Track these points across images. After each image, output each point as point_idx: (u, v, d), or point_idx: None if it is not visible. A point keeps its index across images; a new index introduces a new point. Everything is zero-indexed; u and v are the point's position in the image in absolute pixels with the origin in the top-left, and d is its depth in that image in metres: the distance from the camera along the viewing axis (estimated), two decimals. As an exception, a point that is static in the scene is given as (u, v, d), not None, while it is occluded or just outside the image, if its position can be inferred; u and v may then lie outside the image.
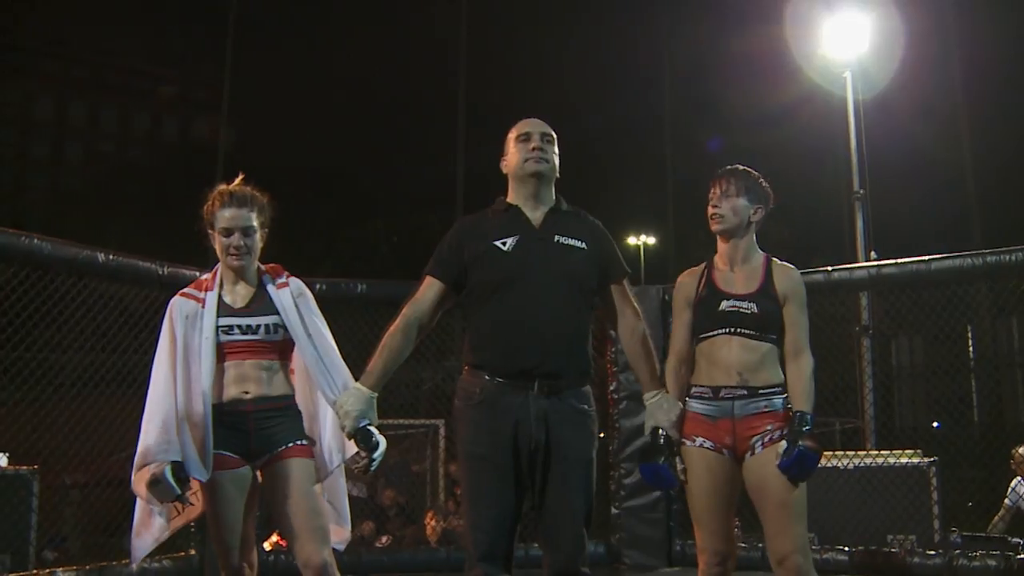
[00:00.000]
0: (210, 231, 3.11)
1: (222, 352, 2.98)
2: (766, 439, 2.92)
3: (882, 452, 5.78)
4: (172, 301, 3.08)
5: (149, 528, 3.10)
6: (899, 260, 5.64)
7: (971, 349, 8.18)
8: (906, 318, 6.26)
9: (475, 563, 2.73)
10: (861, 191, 10.50)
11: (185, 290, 3.11)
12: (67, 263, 4.92)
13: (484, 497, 2.75)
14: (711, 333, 3.01)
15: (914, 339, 9.19)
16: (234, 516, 2.95)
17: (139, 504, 3.11)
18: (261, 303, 3.06)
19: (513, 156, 2.93)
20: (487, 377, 2.78)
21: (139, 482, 2.98)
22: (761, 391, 2.95)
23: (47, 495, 5.34)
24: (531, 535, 3.19)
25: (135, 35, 42.13)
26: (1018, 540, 5.41)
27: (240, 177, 3.17)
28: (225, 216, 3.05)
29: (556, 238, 2.86)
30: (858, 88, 10.76)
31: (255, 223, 3.07)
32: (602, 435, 5.51)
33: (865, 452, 5.96)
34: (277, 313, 3.03)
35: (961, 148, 19.09)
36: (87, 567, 4.92)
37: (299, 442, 3.01)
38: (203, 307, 3.02)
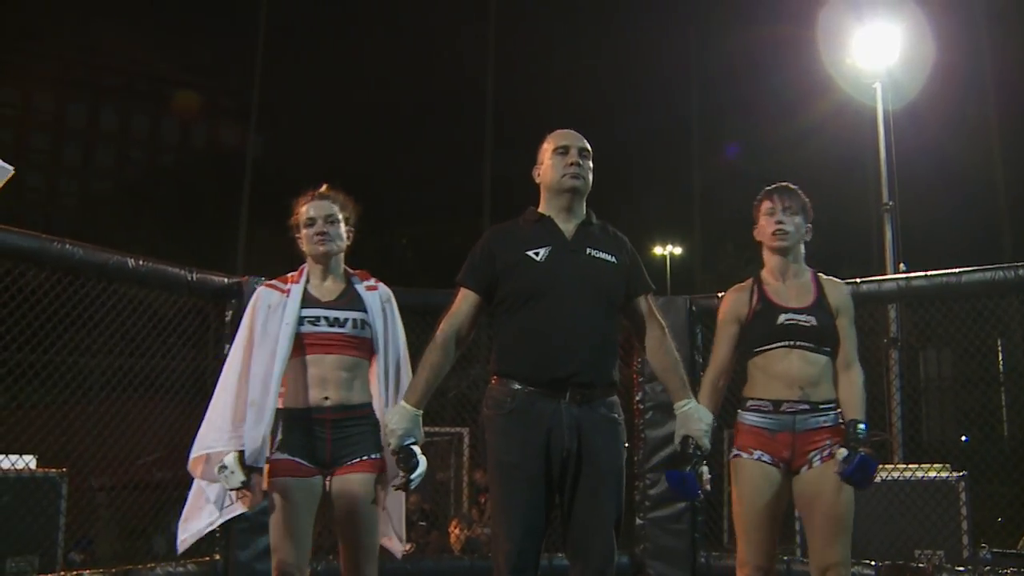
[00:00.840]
0: (298, 235, 3.13)
1: (304, 344, 2.98)
2: (824, 453, 2.98)
3: (910, 466, 5.71)
4: (257, 291, 3.11)
5: (200, 515, 3.12)
6: (929, 272, 5.58)
7: (1001, 363, 8.06)
8: (935, 331, 6.19)
9: (505, 573, 2.72)
10: (890, 203, 10.40)
11: (270, 282, 3.13)
12: (97, 268, 4.98)
13: (516, 506, 2.74)
14: (769, 346, 3.05)
15: (943, 352, 9.08)
16: (298, 525, 2.95)
17: (193, 490, 3.13)
18: (350, 299, 3.08)
19: (549, 168, 2.94)
20: (518, 386, 2.78)
21: (197, 466, 3.01)
22: (821, 406, 3.01)
23: (75, 498, 5.39)
24: (555, 545, 3.18)
25: (166, 43, 42.63)
26: (1050, 558, 5.32)
27: (325, 185, 3.22)
28: (309, 208, 3.10)
29: (588, 251, 2.87)
30: (888, 98, 10.67)
31: (338, 214, 3.13)
32: (627, 445, 5.49)
33: (893, 465, 5.89)
34: (365, 311, 3.04)
35: (992, 159, 18.88)
36: (113, 570, 4.96)
37: (372, 456, 3.01)
38: (287, 297, 3.03)
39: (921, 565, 5.19)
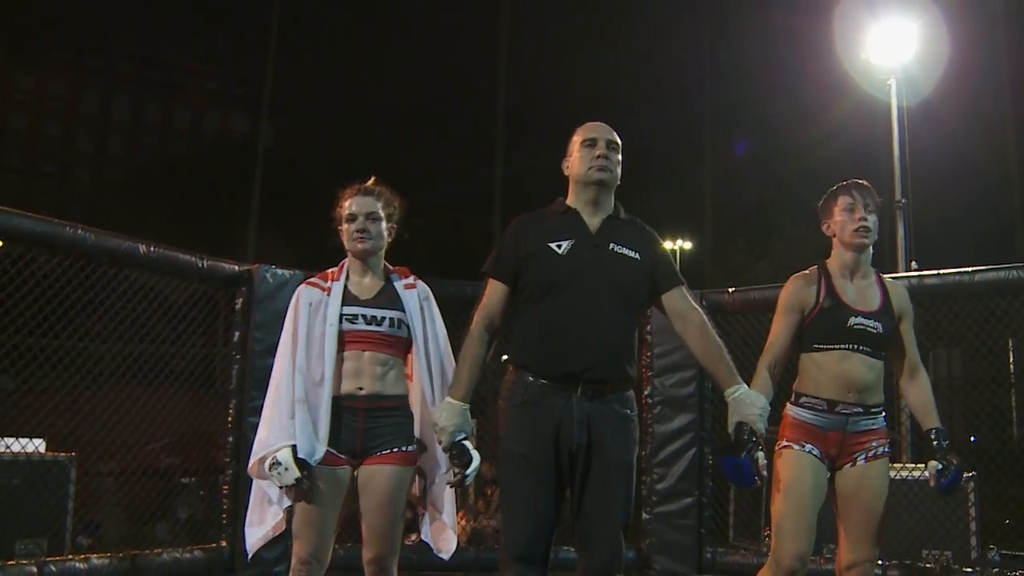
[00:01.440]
0: (340, 228, 3.14)
1: (343, 341, 2.99)
2: (870, 453, 3.04)
3: (919, 465, 5.68)
4: (298, 290, 3.12)
5: (264, 518, 3.12)
6: (941, 271, 5.54)
7: (1012, 363, 8.02)
8: (946, 330, 6.16)
9: (510, 563, 2.73)
10: (903, 200, 10.37)
11: (311, 279, 3.14)
12: (109, 253, 4.99)
13: (522, 497, 2.75)
14: (833, 347, 3.05)
15: (953, 351, 9.04)
16: (322, 513, 2.95)
17: (254, 494, 3.13)
18: (388, 297, 3.08)
19: (577, 160, 2.93)
20: (531, 378, 2.79)
21: (254, 469, 3.01)
22: (873, 409, 3.05)
23: (83, 482, 5.42)
24: (562, 538, 3.18)
25: (179, 31, 42.71)
26: (1057, 559, 5.30)
27: (372, 179, 3.21)
28: (351, 204, 3.10)
29: (611, 246, 2.86)
30: (903, 95, 10.63)
31: (380, 211, 3.13)
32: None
33: (902, 465, 5.87)
34: (403, 310, 3.05)
35: (1007, 157, 18.76)
36: (120, 555, 4.98)
37: (404, 448, 3.01)
38: (328, 295, 3.04)
39: (929, 565, 5.17)
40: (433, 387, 3.04)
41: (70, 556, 4.83)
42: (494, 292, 2.90)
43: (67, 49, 41.61)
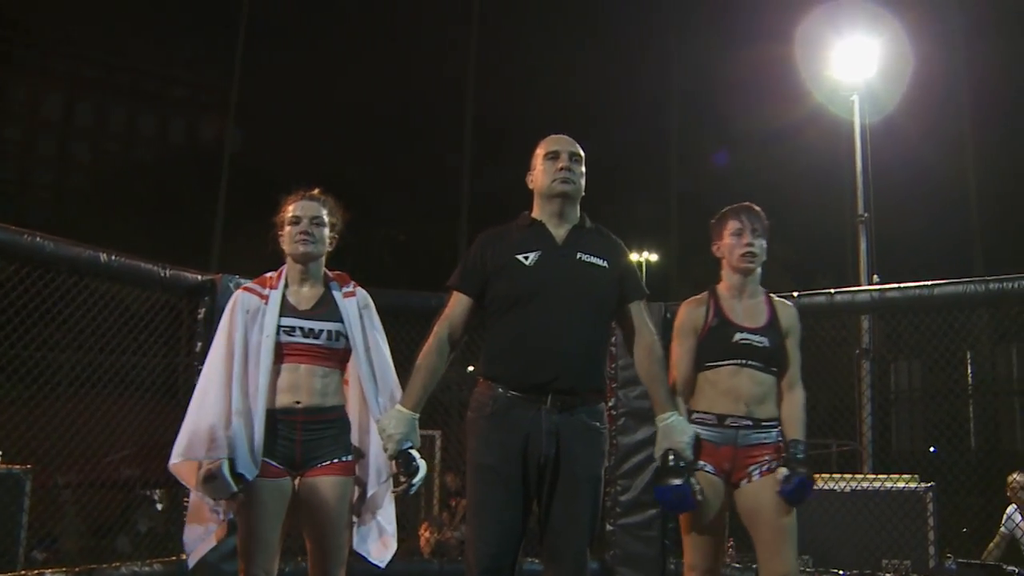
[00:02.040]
0: (280, 233, 3.09)
1: (280, 353, 2.95)
2: (763, 468, 3.06)
3: (879, 476, 5.75)
4: (235, 295, 3.07)
5: (204, 524, 3.07)
6: (902, 284, 5.63)
7: (970, 375, 8.15)
8: (907, 342, 6.25)
9: (476, 575, 2.71)
10: (865, 214, 10.51)
11: (249, 285, 3.09)
12: (69, 262, 4.92)
13: (490, 509, 2.75)
14: (721, 363, 3.11)
15: (913, 363, 9.17)
16: (265, 525, 2.91)
17: (192, 503, 3.08)
18: (326, 308, 3.03)
19: (540, 174, 2.94)
20: (500, 390, 2.78)
21: (189, 474, 2.96)
22: (763, 423, 3.10)
23: (39, 495, 5.32)
24: (528, 549, 3.18)
25: (144, 36, 42.28)
26: (1013, 568, 5.38)
27: (317, 189, 3.18)
28: (296, 207, 3.06)
29: (578, 255, 2.87)
30: (865, 111, 10.79)
31: (325, 217, 3.09)
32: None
33: (862, 476, 5.94)
34: (341, 321, 3.01)
35: (966, 174, 19.11)
36: (76, 569, 4.89)
37: (343, 458, 2.98)
38: (266, 304, 2.99)
39: (888, 575, 5.23)
40: (378, 395, 3.00)
41: (23, 572, 4.74)
42: (457, 304, 2.90)
43: (29, 52, 41.03)
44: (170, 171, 31.12)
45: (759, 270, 3.24)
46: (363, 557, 3.18)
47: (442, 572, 5.79)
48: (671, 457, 2.90)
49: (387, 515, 3.14)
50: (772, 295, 3.28)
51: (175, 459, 2.96)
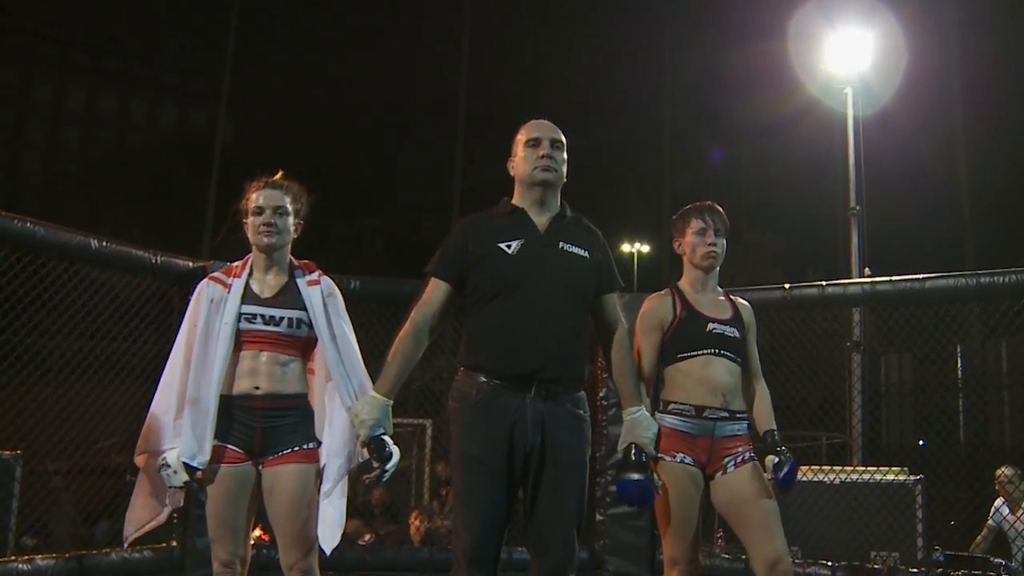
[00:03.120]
0: (244, 221, 3.07)
1: (240, 341, 2.94)
2: (738, 459, 3.11)
3: (868, 468, 5.78)
4: (200, 284, 3.06)
5: (146, 509, 3.08)
6: (893, 277, 5.65)
7: (960, 368, 8.19)
8: (897, 335, 6.27)
9: (463, 566, 2.71)
10: (857, 207, 10.52)
11: (214, 274, 3.08)
12: (59, 248, 4.90)
13: (476, 499, 2.73)
14: (695, 353, 3.16)
15: (903, 356, 9.20)
16: (231, 511, 2.92)
17: (139, 483, 3.08)
18: (289, 296, 3.02)
19: (521, 161, 2.91)
20: (484, 379, 2.77)
21: (143, 463, 2.97)
22: (738, 415, 3.16)
23: (29, 481, 5.31)
24: (515, 539, 3.18)
25: (136, 22, 42.03)
26: (1000, 561, 5.42)
27: (280, 173, 3.15)
28: (258, 196, 3.04)
29: (561, 245, 2.86)
30: (858, 104, 10.78)
31: (288, 205, 3.06)
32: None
33: (852, 468, 5.96)
34: (304, 308, 2.99)
35: (958, 168, 19.14)
36: (67, 555, 4.89)
37: (305, 446, 2.97)
38: (229, 292, 2.98)
39: (876, 567, 5.26)
40: (350, 382, 2.98)
41: (13, 557, 4.73)
42: (436, 291, 2.87)
43: (19, 36, 40.73)
44: (161, 158, 30.97)
45: (718, 268, 3.32)
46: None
47: (432, 560, 5.81)
48: (633, 451, 2.92)
49: (337, 505, 3.11)
50: (728, 292, 3.37)
51: (138, 454, 2.98)
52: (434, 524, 6.72)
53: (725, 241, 3.30)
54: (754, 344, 3.32)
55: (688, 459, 3.07)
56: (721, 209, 3.34)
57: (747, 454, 3.12)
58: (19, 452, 5.08)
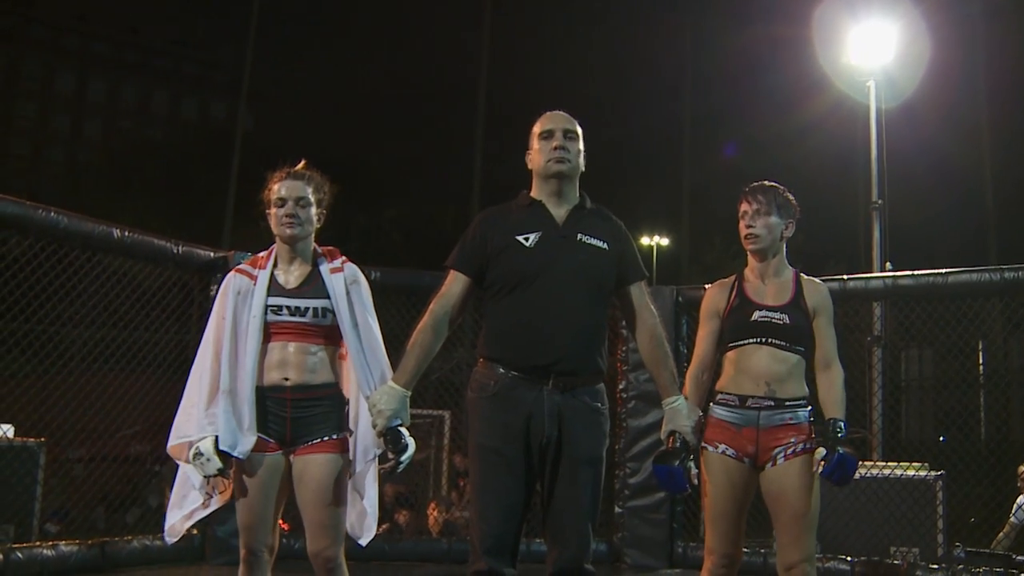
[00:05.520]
0: (267, 211, 3.09)
1: (268, 332, 2.96)
2: (788, 451, 2.99)
3: (889, 463, 5.74)
4: (227, 277, 3.08)
5: (183, 502, 3.10)
6: (915, 272, 5.60)
7: (981, 364, 8.12)
8: (919, 330, 6.22)
9: (480, 556, 2.72)
10: (879, 201, 10.43)
11: (240, 266, 3.09)
12: (82, 237, 4.94)
13: (493, 490, 2.74)
14: (741, 342, 3.07)
15: (924, 351, 9.12)
16: (261, 499, 2.93)
17: (178, 477, 3.11)
18: (313, 285, 3.02)
19: (536, 153, 2.91)
20: (502, 370, 2.78)
21: (179, 453, 2.99)
22: (787, 403, 3.02)
23: (51, 468, 5.36)
24: (533, 530, 3.18)
25: (157, 13, 42.23)
26: (1022, 558, 5.37)
27: (302, 162, 3.16)
28: (280, 187, 3.05)
29: (579, 236, 2.85)
30: (881, 97, 10.68)
31: (310, 196, 3.06)
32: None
33: (872, 463, 5.93)
34: (328, 297, 3.00)
35: (982, 161, 18.95)
36: (89, 542, 4.94)
37: (335, 435, 2.97)
38: (255, 284, 3.00)
39: (896, 562, 5.23)
40: (370, 372, 2.98)
41: (37, 543, 4.78)
42: (455, 283, 2.87)
43: (43, 28, 41.02)
44: (182, 148, 31.14)
45: (781, 248, 3.16)
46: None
47: (451, 551, 5.83)
48: (674, 439, 2.91)
49: (370, 496, 3.12)
50: (803, 274, 3.20)
51: (171, 441, 3.00)
52: (452, 515, 6.74)
53: (777, 219, 3.12)
54: (825, 328, 3.12)
55: (730, 450, 3.01)
56: (773, 186, 3.18)
57: (801, 445, 2.99)
58: (43, 440, 5.13)
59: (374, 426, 2.82)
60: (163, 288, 5.46)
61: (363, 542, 3.09)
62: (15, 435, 5.12)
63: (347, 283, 3.04)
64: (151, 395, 5.77)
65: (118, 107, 43.74)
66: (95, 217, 5.17)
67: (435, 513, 6.78)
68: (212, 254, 5.57)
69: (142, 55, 44.13)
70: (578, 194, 2.93)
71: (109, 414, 5.32)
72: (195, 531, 5.31)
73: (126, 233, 5.10)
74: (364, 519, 3.11)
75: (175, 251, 5.34)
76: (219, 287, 5.61)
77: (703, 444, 3.04)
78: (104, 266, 5.13)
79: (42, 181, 32.64)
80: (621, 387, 5.84)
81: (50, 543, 4.79)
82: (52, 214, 4.77)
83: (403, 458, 2.82)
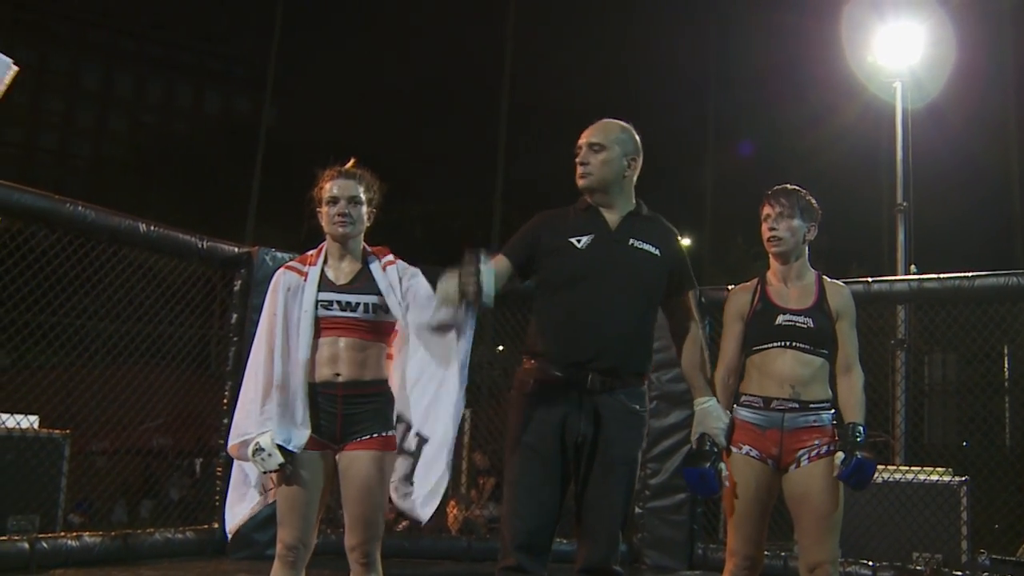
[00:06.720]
0: (319, 209, 3.11)
1: (319, 327, 2.98)
2: (812, 453, 3.00)
3: (912, 468, 5.69)
4: (276, 274, 3.10)
5: (243, 499, 3.12)
6: (941, 275, 5.55)
7: (1006, 370, 8.03)
8: (944, 334, 6.16)
9: (511, 551, 2.74)
10: (904, 203, 10.32)
11: (290, 263, 3.12)
12: (109, 231, 4.98)
13: (526, 486, 2.77)
14: (766, 345, 3.07)
15: (948, 356, 9.03)
16: (304, 496, 2.94)
17: (235, 475, 3.13)
18: (364, 281, 3.04)
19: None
20: (542, 368, 2.81)
21: (237, 451, 3.01)
22: (811, 405, 3.03)
23: (76, 460, 5.41)
24: (562, 530, 3.18)
25: (182, 8, 42.52)
26: (1048, 567, 5.31)
27: (352, 161, 3.18)
28: (332, 186, 3.07)
29: (631, 241, 2.89)
30: (908, 98, 10.57)
31: (362, 195, 3.09)
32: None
33: (895, 467, 5.88)
34: (379, 293, 3.02)
35: (1010, 164, 18.74)
36: (112, 533, 4.98)
37: (383, 433, 2.99)
38: (305, 280, 3.02)
39: (919, 568, 5.19)
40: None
41: (62, 533, 4.83)
42: (499, 261, 2.86)
43: (69, 23, 41.40)
44: (206, 143, 31.33)
45: (804, 250, 3.16)
46: (408, 518, 3.17)
47: (470, 549, 5.84)
48: (705, 442, 2.92)
49: (436, 469, 3.06)
50: (825, 277, 3.21)
51: (231, 440, 3.01)
52: (472, 513, 6.75)
53: (800, 221, 3.11)
54: (849, 330, 3.12)
55: (754, 452, 3.01)
56: (796, 189, 3.17)
57: (824, 448, 3.00)
58: (68, 431, 5.18)
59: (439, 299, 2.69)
60: (187, 283, 5.49)
61: (423, 518, 3.07)
62: (40, 426, 5.17)
63: (400, 273, 3.07)
64: (174, 389, 5.81)
65: (143, 102, 44.10)
66: (120, 211, 5.21)
67: (454, 511, 6.79)
68: (236, 249, 5.61)
69: (167, 50, 44.45)
70: (634, 201, 2.97)
71: (132, 407, 5.37)
72: (215, 524, 5.35)
73: (152, 228, 5.14)
74: (420, 490, 3.06)
75: (200, 246, 5.37)
76: (242, 282, 5.68)
77: (729, 445, 3.04)
78: (129, 260, 5.17)
79: (68, 175, 32.96)
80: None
81: (74, 534, 4.84)
82: (79, 208, 4.81)
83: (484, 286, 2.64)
